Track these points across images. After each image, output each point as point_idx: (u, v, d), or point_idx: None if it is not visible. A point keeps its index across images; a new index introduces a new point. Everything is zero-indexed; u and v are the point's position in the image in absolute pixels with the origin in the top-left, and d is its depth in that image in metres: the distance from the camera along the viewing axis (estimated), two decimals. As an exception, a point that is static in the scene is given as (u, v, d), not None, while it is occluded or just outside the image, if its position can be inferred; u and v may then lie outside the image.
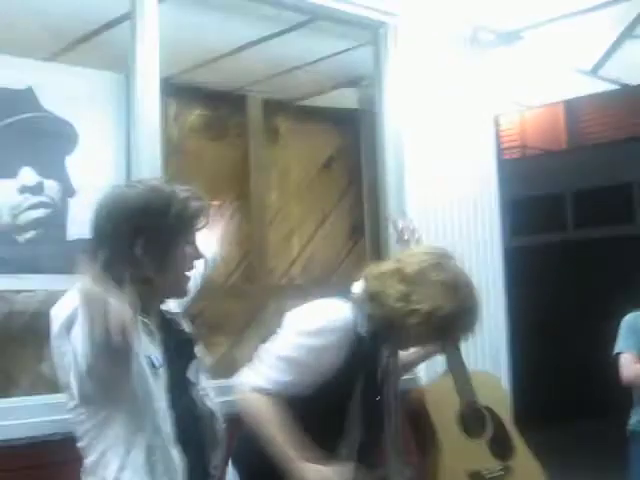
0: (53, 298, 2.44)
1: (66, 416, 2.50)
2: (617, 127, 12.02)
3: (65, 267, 3.74)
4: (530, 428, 4.20)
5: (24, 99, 3.77)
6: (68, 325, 2.25)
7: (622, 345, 4.60)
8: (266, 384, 2.72)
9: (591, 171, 11.02)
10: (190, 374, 2.61)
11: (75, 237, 3.85)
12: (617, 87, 6.82)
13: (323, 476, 2.64)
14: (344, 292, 2.88)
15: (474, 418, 3.69)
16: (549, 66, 6.06)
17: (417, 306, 2.69)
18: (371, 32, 5.04)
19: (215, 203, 2.97)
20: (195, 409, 2.58)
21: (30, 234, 3.75)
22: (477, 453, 3.66)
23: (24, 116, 3.77)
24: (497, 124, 6.67)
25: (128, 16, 4.05)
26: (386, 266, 2.87)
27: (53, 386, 3.70)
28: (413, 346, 3.06)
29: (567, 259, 11.29)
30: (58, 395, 3.39)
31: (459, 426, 3.68)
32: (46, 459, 3.36)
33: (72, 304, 2.25)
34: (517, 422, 4.71)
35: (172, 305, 2.71)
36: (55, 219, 3.83)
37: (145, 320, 2.43)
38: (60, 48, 4.24)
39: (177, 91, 4.82)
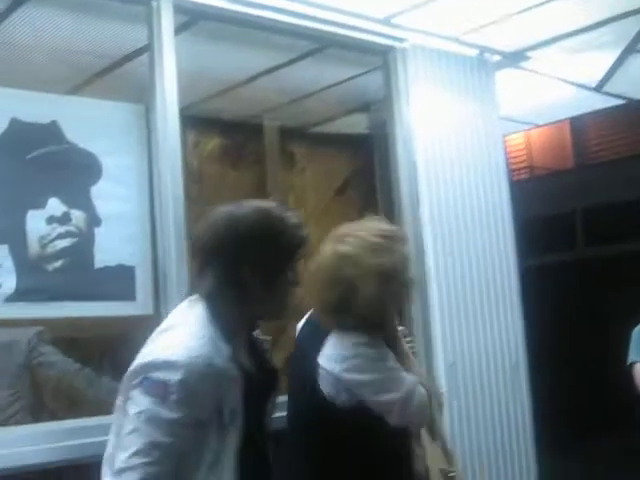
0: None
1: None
2: (623, 143, 12.08)
3: (93, 294, 3.90)
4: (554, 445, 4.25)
5: (49, 133, 3.88)
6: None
7: (635, 355, 4.69)
8: None
9: (599, 189, 11.08)
10: (269, 405, 2.60)
11: (102, 265, 3.96)
12: (622, 102, 6.87)
13: None
14: None
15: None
16: (555, 84, 6.13)
17: None
18: (380, 57, 5.14)
19: None
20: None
21: (59, 263, 3.84)
22: (439, 455, 3.76)
23: (50, 149, 3.88)
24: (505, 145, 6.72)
25: (146, 49, 4.15)
26: None
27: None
28: None
29: (578, 277, 11.33)
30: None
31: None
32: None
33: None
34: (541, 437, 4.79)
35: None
36: (82, 248, 3.92)
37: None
38: (81, 82, 4.36)
39: (195, 120, 4.93)
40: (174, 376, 2.22)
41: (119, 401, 2.32)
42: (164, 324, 2.43)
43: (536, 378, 5.52)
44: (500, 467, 5.03)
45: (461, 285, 5.03)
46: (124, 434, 2.22)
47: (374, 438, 2.88)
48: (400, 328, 3.24)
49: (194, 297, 2.45)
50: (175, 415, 2.21)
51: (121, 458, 2.19)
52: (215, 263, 2.41)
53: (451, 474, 3.73)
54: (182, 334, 2.32)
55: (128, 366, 2.32)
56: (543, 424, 5.51)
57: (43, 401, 3.93)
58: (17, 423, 3.72)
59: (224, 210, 2.50)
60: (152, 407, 2.20)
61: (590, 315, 11.12)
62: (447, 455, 3.75)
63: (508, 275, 5.34)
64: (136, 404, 2.23)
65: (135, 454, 2.17)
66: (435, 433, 3.59)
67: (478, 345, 5.03)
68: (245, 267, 2.39)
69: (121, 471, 2.17)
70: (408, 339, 3.45)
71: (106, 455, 2.34)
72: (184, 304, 2.47)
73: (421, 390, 2.92)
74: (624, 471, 7.39)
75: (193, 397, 2.24)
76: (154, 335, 2.40)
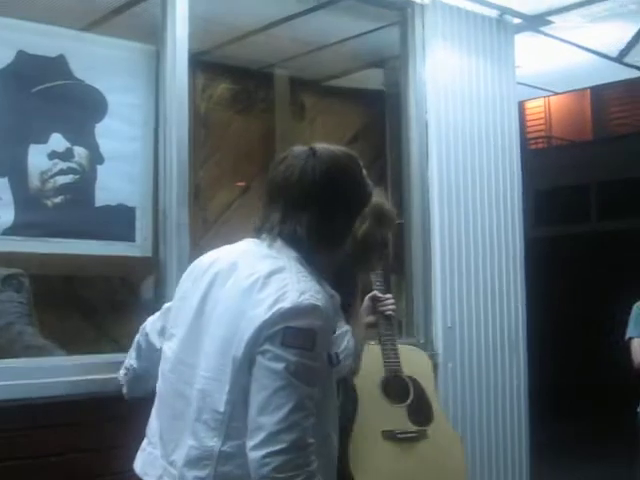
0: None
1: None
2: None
3: (92, 232, 3.88)
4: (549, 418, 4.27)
5: (56, 67, 3.83)
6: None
7: (633, 330, 4.73)
8: None
9: (617, 162, 10.99)
10: None
11: (103, 204, 3.93)
12: (641, 75, 6.75)
13: None
14: None
15: (397, 385, 3.88)
16: (575, 52, 6.04)
17: None
18: (398, 12, 5.05)
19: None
20: None
21: (59, 199, 3.82)
22: (395, 416, 3.85)
23: (55, 83, 3.84)
24: (523, 111, 6.65)
25: (160, -11, 4.10)
26: None
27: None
28: None
29: (590, 250, 11.29)
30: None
31: (381, 390, 3.85)
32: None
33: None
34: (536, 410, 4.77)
35: None
36: (83, 185, 3.89)
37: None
38: (94, 19, 4.29)
39: (206, 65, 4.90)
40: (317, 322, 2.12)
41: (237, 353, 2.14)
42: (264, 267, 2.21)
43: (536, 346, 5.51)
44: (492, 430, 5.03)
45: (465, 249, 5.00)
46: (271, 392, 2.08)
47: None
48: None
49: (266, 238, 2.29)
50: (319, 362, 2.13)
51: (277, 417, 2.05)
52: (308, 207, 2.26)
53: (402, 435, 3.77)
54: (300, 278, 2.18)
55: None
56: (540, 392, 5.51)
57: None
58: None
59: (309, 152, 2.35)
60: (300, 359, 2.08)
61: (598, 288, 11.08)
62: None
63: (514, 243, 5.30)
64: (280, 358, 2.08)
65: (292, 412, 2.05)
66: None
67: (478, 310, 5.01)
68: (338, 214, 2.29)
69: (281, 431, 2.04)
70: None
71: (205, 416, 2.20)
72: (262, 246, 2.29)
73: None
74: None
75: (328, 342, 2.19)
76: (256, 279, 2.20)
